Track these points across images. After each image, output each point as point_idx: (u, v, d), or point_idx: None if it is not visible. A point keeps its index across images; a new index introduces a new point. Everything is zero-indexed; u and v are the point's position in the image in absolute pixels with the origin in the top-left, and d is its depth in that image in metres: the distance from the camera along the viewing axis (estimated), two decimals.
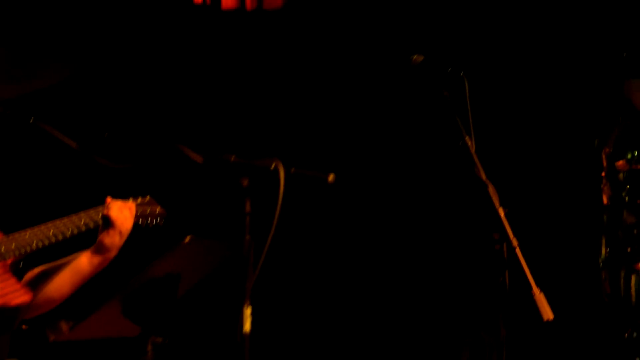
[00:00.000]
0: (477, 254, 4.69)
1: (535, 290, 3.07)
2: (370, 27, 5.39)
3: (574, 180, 5.09)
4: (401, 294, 5.31)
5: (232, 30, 5.69)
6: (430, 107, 3.24)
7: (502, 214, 3.09)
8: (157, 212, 3.33)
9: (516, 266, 2.97)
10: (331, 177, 2.48)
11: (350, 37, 5.44)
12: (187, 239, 2.87)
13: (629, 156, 4.39)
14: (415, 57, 3.28)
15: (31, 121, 2.75)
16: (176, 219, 3.15)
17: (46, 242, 2.97)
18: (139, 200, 3.32)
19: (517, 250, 3.05)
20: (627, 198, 4.40)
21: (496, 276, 3.01)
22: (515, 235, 2.97)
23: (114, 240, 3.09)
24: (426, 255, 5.28)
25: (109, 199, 3.15)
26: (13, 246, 2.89)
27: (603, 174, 4.49)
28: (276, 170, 2.46)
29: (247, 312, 2.42)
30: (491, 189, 3.09)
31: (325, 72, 5.48)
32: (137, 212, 3.22)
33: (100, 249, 3.10)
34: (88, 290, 3.28)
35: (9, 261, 2.89)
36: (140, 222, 3.25)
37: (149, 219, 3.30)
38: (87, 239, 3.17)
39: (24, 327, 3.37)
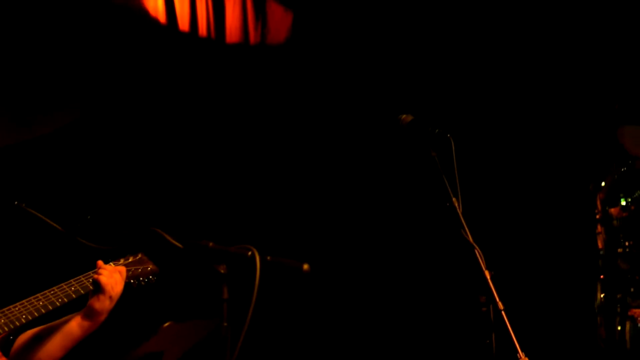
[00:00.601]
0: (464, 317, 4.70)
1: (521, 354, 3.08)
2: (361, 85, 5.41)
3: (569, 226, 5.09)
4: None
5: (235, 65, 5.73)
6: (418, 167, 3.26)
7: (488, 276, 3.11)
8: (149, 269, 3.34)
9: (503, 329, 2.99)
10: (306, 267, 2.51)
11: (342, 87, 5.46)
12: (167, 324, 2.91)
13: (623, 202, 4.40)
14: (404, 117, 3.30)
15: (16, 204, 2.81)
16: (158, 301, 3.19)
17: (36, 314, 3.00)
18: (130, 259, 3.32)
19: (503, 314, 3.06)
20: (621, 244, 4.41)
21: (483, 339, 3.03)
22: (501, 298, 2.98)
23: (104, 304, 3.12)
24: (413, 320, 5.28)
25: (99, 263, 3.18)
26: (2, 321, 2.93)
27: (598, 216, 4.50)
28: (253, 257, 2.50)
29: None
30: (478, 251, 3.11)
31: (313, 124, 5.49)
32: (128, 273, 3.24)
33: (90, 314, 3.14)
34: None
35: (0, 337, 2.93)
36: (132, 283, 3.28)
37: (141, 278, 3.32)
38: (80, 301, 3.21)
39: None
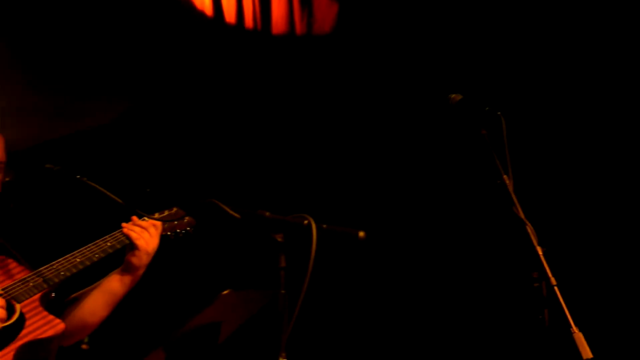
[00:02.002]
0: (517, 292, 4.69)
1: (575, 329, 3.08)
2: (409, 68, 5.42)
3: (622, 201, 5.04)
4: (441, 339, 5.31)
5: (281, 56, 5.77)
6: (468, 145, 3.27)
7: (540, 252, 3.11)
8: (185, 221, 3.34)
9: (555, 304, 2.98)
10: (362, 234, 2.55)
11: (390, 74, 5.48)
12: (226, 291, 2.95)
13: None
14: (453, 96, 3.31)
15: (78, 178, 2.89)
16: (216, 271, 3.23)
17: (74, 270, 3.03)
18: (166, 212, 3.32)
19: (556, 289, 3.06)
20: None
21: (536, 314, 3.03)
22: (554, 273, 2.98)
23: (140, 259, 3.14)
24: (466, 296, 5.28)
25: (134, 219, 3.18)
26: (42, 279, 2.97)
27: None
28: (309, 226, 2.54)
29: None
30: (529, 228, 3.11)
31: (363, 109, 5.52)
32: (164, 226, 3.24)
33: (128, 268, 3.16)
34: (134, 341, 3.40)
35: (39, 295, 2.98)
36: (169, 235, 3.29)
37: (178, 230, 3.32)
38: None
39: (83, 346, 3.46)
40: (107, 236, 3.14)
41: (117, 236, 3.16)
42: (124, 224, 3.16)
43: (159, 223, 3.20)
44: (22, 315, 2.88)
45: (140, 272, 3.18)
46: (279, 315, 2.54)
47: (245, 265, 4.67)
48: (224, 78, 5.68)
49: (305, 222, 2.56)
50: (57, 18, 5.15)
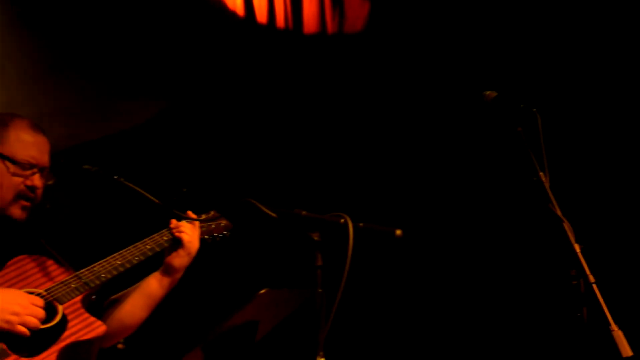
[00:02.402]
0: (555, 290, 4.66)
1: (614, 326, 3.05)
2: (444, 62, 5.40)
3: None
4: (480, 337, 5.28)
5: (313, 56, 5.78)
6: (504, 143, 3.25)
7: (578, 250, 3.09)
8: (222, 225, 3.36)
9: (594, 302, 2.96)
10: (398, 232, 2.54)
11: (423, 71, 5.46)
12: (263, 290, 2.96)
13: None
14: (488, 93, 3.29)
15: (115, 178, 2.91)
16: (253, 270, 3.23)
17: (115, 273, 3.05)
18: (203, 217, 3.34)
19: (594, 287, 3.03)
20: None
21: (574, 312, 3.01)
22: (592, 271, 2.95)
23: (182, 261, 3.16)
24: (504, 294, 5.25)
25: (174, 222, 3.20)
26: (83, 281, 3.00)
27: None
28: (345, 224, 2.54)
29: None
30: (567, 225, 3.09)
31: (397, 107, 5.51)
32: (202, 229, 3.25)
33: (168, 271, 3.17)
34: (171, 341, 3.41)
35: (81, 297, 3.00)
36: (206, 239, 3.30)
37: (215, 234, 3.34)
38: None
39: (120, 346, 3.48)
40: (146, 239, 3.17)
41: (156, 239, 3.18)
42: (174, 221, 3.18)
43: (197, 225, 3.22)
44: (64, 316, 2.91)
45: (179, 275, 3.20)
46: (316, 314, 2.53)
47: (282, 264, 4.69)
48: (256, 78, 5.70)
49: (342, 220, 2.56)
50: (96, 20, 5.20)
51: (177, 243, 3.17)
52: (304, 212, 2.63)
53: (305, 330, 2.56)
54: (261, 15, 5.85)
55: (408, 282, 5.36)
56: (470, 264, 5.33)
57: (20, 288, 2.93)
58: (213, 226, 3.35)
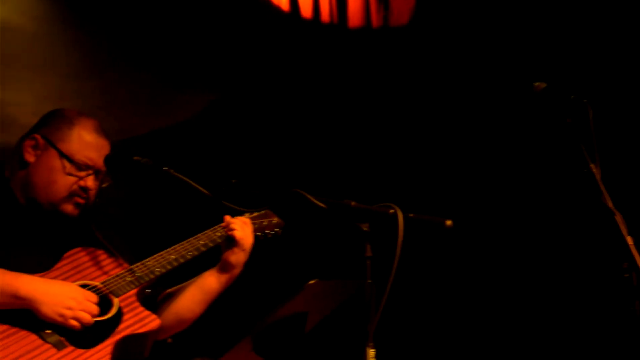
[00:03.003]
0: (607, 284, 4.61)
1: None
2: (492, 53, 5.36)
3: None
4: (530, 331, 5.24)
5: (358, 49, 5.77)
6: (554, 134, 3.22)
7: (630, 242, 3.05)
8: (274, 222, 3.40)
9: None
10: (449, 223, 2.52)
11: (473, 60, 5.42)
12: (312, 281, 2.97)
13: None
14: (537, 84, 3.26)
15: (165, 169, 2.93)
16: (302, 260, 3.24)
17: (169, 267, 3.09)
18: (255, 214, 3.38)
19: None
20: None
21: (627, 305, 2.98)
22: None
23: (238, 257, 3.19)
24: (555, 288, 5.20)
25: (227, 218, 3.24)
26: (138, 275, 3.04)
27: None
28: (395, 215, 2.53)
29: (371, 354, 2.50)
30: (619, 218, 3.05)
31: (444, 99, 5.48)
32: (254, 226, 3.29)
33: (225, 267, 3.21)
34: (220, 331, 3.43)
35: (135, 290, 3.04)
36: (258, 236, 3.34)
37: (267, 230, 3.38)
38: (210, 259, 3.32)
39: (169, 340, 3.52)
40: (200, 234, 3.21)
41: (209, 235, 3.22)
42: (227, 218, 3.19)
43: (249, 221, 3.24)
44: (120, 309, 2.95)
45: (237, 271, 3.23)
46: (365, 305, 2.53)
47: (331, 255, 4.70)
48: (301, 71, 5.71)
49: (392, 211, 2.55)
50: (148, 14, 5.26)
51: (230, 239, 3.19)
52: (353, 203, 2.62)
53: (354, 321, 2.56)
54: (306, 9, 5.86)
55: (458, 274, 5.33)
56: (521, 257, 5.28)
57: (75, 280, 2.97)
58: (265, 223, 3.38)
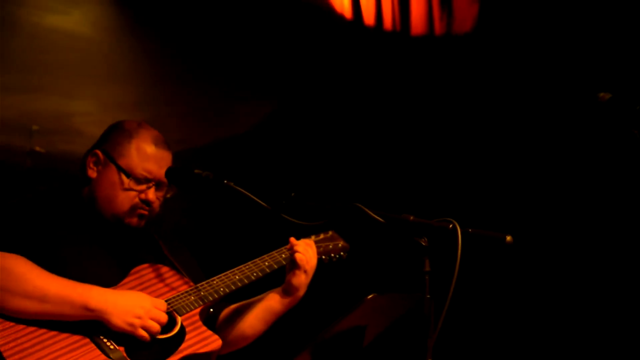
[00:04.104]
0: None
1: None
2: (556, 63, 5.27)
3: None
4: (594, 345, 5.14)
5: (421, 57, 5.74)
6: (619, 145, 3.16)
7: None
8: (339, 246, 3.41)
9: None
10: (509, 238, 2.49)
11: (537, 70, 5.34)
12: (371, 295, 2.96)
13: None
14: (602, 94, 3.20)
15: (225, 183, 2.95)
16: (361, 275, 3.23)
17: (233, 288, 3.11)
18: (321, 236, 3.40)
19: None
20: None
21: None
22: None
23: (300, 279, 3.19)
24: (616, 302, 5.09)
25: (292, 240, 3.24)
26: (202, 294, 3.06)
27: None
28: (454, 230, 2.51)
29: None
30: None
31: (507, 109, 5.41)
32: (318, 249, 3.30)
33: (288, 290, 3.21)
34: (280, 344, 3.44)
35: (199, 309, 3.06)
36: (323, 259, 3.34)
37: (332, 254, 3.38)
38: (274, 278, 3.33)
39: None
40: (265, 255, 3.23)
41: (274, 256, 3.23)
42: (291, 240, 3.22)
43: (313, 243, 3.25)
44: (182, 328, 2.97)
45: (301, 293, 3.24)
46: (424, 319, 2.51)
47: (389, 270, 4.68)
48: (363, 80, 5.71)
49: (450, 226, 2.53)
50: (213, 26, 5.33)
51: (294, 261, 3.20)
52: (411, 217, 2.60)
53: (412, 336, 2.54)
54: (368, 17, 5.87)
55: (518, 289, 5.25)
56: (583, 271, 5.19)
57: None
58: (330, 246, 3.39)
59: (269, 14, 5.58)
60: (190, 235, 3.44)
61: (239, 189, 2.91)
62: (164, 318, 2.90)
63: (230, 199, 2.92)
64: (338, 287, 4.33)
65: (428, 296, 2.51)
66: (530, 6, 5.48)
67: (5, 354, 2.70)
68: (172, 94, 5.37)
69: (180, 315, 2.99)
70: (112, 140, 3.14)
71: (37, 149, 5.08)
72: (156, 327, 2.86)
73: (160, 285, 3.06)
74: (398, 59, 5.79)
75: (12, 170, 4.98)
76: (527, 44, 5.43)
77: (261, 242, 3.29)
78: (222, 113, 5.47)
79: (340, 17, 5.83)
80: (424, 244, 2.55)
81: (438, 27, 5.81)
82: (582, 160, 5.22)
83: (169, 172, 3.08)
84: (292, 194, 2.80)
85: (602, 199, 5.15)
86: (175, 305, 3.00)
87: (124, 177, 3.07)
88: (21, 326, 2.78)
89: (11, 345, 2.72)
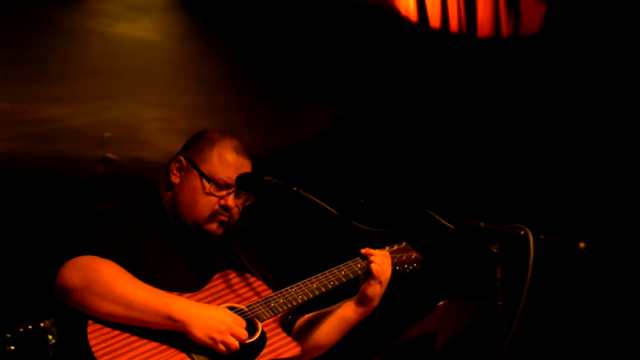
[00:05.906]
0: None
1: None
2: (625, 64, 5.18)
3: None
4: None
5: (488, 59, 5.70)
6: None
7: None
8: (412, 257, 3.41)
9: None
10: (582, 245, 2.46)
11: (603, 74, 5.25)
12: (442, 302, 2.95)
13: None
14: None
15: (294, 190, 2.98)
16: (431, 282, 3.21)
17: (311, 295, 3.13)
18: (395, 247, 3.41)
19: None
20: None
21: None
22: None
23: (375, 290, 3.20)
24: None
25: (368, 250, 3.26)
26: (282, 301, 3.10)
27: None
28: (526, 237, 2.49)
29: None
30: None
31: (576, 112, 5.33)
32: (392, 260, 3.31)
33: (363, 300, 3.23)
34: (350, 352, 3.45)
35: (279, 315, 3.10)
36: (397, 270, 3.35)
37: (406, 265, 3.39)
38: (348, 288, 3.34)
39: None
40: (341, 265, 3.26)
41: (351, 266, 3.25)
42: (367, 250, 3.25)
43: (387, 254, 3.26)
44: (263, 334, 3.02)
45: (375, 303, 3.25)
46: (496, 326, 2.50)
47: (460, 276, 4.65)
48: (430, 82, 5.69)
49: (522, 232, 2.50)
50: (283, 34, 5.37)
51: (369, 272, 3.23)
52: (482, 224, 2.59)
53: (484, 343, 2.53)
54: (434, 20, 5.85)
55: (591, 296, 5.16)
56: None
57: (222, 302, 3.05)
58: (404, 257, 3.40)
59: (335, 20, 5.60)
60: (262, 244, 3.47)
61: (309, 195, 2.93)
62: (244, 335, 2.94)
63: (300, 206, 2.94)
64: (409, 293, 4.33)
65: (500, 303, 2.50)
66: (598, 6, 5.40)
67: (96, 354, 2.78)
68: (241, 100, 5.43)
69: (260, 322, 3.03)
70: (195, 147, 3.20)
71: (110, 155, 5.18)
72: (235, 344, 2.91)
73: (242, 291, 3.12)
74: (465, 61, 5.76)
75: (86, 177, 5.09)
76: (596, 45, 5.34)
77: (332, 249, 3.31)
78: (288, 119, 5.51)
79: (406, 21, 5.82)
80: (495, 250, 2.54)
81: (505, 29, 5.77)
82: None
83: (239, 179, 3.12)
84: (361, 201, 2.80)
85: None
86: (256, 311, 3.05)
87: (205, 183, 3.13)
88: (109, 329, 2.85)
89: (102, 346, 2.81)
